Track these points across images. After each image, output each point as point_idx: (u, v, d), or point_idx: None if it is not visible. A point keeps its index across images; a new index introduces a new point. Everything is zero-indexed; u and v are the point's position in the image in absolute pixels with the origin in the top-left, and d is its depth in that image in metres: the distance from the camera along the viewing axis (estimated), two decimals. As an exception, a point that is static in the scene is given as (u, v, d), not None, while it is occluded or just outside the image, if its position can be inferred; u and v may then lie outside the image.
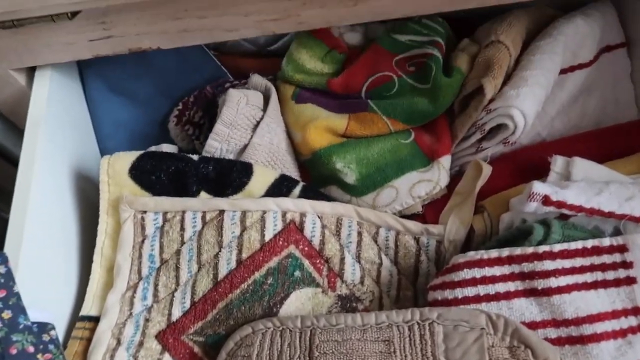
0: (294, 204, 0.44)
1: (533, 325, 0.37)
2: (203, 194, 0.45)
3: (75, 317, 0.43)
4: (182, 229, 0.44)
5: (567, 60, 0.49)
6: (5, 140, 0.55)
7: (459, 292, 0.39)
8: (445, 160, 0.47)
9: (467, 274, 0.39)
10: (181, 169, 0.45)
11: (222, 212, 0.44)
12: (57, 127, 0.47)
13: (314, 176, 0.49)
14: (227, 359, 0.39)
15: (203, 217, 0.44)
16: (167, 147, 0.48)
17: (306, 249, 0.44)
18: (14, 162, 0.58)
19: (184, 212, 0.44)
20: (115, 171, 0.45)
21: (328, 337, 0.37)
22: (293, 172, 0.49)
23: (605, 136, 0.50)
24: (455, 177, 0.49)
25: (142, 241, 0.44)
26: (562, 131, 0.52)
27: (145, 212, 0.44)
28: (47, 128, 0.45)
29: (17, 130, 0.55)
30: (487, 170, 0.45)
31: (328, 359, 0.36)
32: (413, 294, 0.45)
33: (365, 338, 0.37)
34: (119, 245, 0.44)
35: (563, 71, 0.50)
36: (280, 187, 0.46)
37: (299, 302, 0.42)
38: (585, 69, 0.51)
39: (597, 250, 0.38)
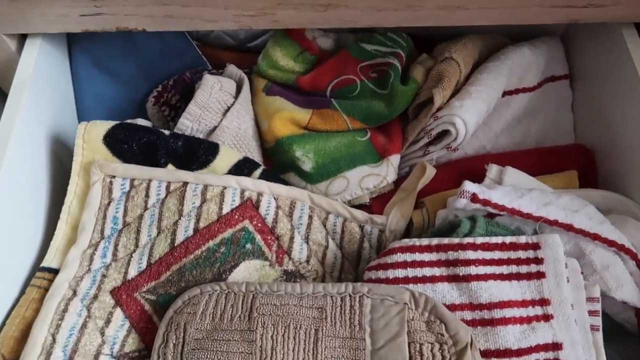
0: (252, 184, 0.48)
1: (452, 307, 0.42)
2: (170, 167, 0.49)
3: (37, 268, 0.46)
4: (147, 195, 0.47)
5: (512, 83, 0.55)
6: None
7: (391, 273, 0.43)
8: (395, 159, 0.51)
9: (399, 257, 0.43)
10: (152, 142, 0.49)
11: (185, 183, 0.48)
12: (40, 93, 0.51)
13: (276, 163, 0.54)
14: (173, 315, 0.43)
15: (167, 187, 0.48)
16: (142, 122, 0.52)
17: (259, 225, 0.47)
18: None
19: (150, 180, 0.48)
20: (91, 137, 0.48)
21: (268, 301, 0.41)
22: (257, 157, 0.53)
23: (542, 154, 0.56)
24: (404, 176, 0.53)
25: (108, 203, 0.47)
26: (505, 147, 0.57)
27: (114, 177, 0.48)
28: (31, 93, 0.49)
29: (3, 95, 0.58)
30: (430, 171, 0.49)
31: (265, 320, 0.40)
32: (354, 277, 0.49)
33: (301, 304, 0.41)
34: (85, 205, 0.47)
35: (509, 92, 0.56)
36: (242, 168, 0.50)
37: (247, 271, 0.46)
38: (528, 93, 0.56)
39: (514, 246, 0.43)
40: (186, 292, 0.44)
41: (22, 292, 0.45)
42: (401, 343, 0.38)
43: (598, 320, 0.43)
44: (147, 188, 0.47)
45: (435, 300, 0.40)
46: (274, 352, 0.39)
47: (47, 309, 0.43)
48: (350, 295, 0.41)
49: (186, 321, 0.41)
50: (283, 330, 0.39)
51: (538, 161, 0.54)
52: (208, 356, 0.39)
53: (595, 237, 0.44)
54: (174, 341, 0.41)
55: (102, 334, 0.43)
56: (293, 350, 0.39)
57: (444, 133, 0.50)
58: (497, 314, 0.41)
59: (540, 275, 0.42)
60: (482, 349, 0.40)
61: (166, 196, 0.47)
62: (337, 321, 0.40)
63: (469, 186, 0.44)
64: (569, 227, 0.44)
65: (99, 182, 0.48)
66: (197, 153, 0.49)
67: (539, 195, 0.45)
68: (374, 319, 0.39)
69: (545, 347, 0.40)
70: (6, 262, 0.44)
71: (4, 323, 0.42)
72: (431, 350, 0.38)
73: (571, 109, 0.60)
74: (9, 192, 0.44)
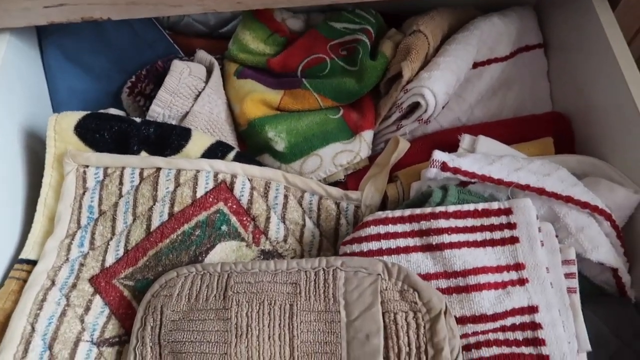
0: (226, 166, 0.48)
1: (427, 277, 0.42)
2: (143, 154, 0.49)
3: (15, 260, 0.47)
4: (121, 183, 0.48)
5: (483, 54, 0.55)
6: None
7: (365, 246, 0.43)
8: (367, 135, 0.51)
9: (372, 230, 0.43)
10: (124, 130, 0.49)
11: (158, 169, 0.48)
12: (12, 88, 0.51)
13: (250, 146, 0.54)
14: (151, 299, 0.43)
15: (141, 174, 0.48)
16: (114, 111, 0.52)
17: (234, 206, 0.48)
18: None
19: (123, 168, 0.48)
20: (62, 128, 0.48)
21: (242, 279, 0.41)
22: (231, 141, 0.53)
23: (518, 124, 0.56)
24: (380, 152, 0.53)
25: (83, 193, 0.48)
26: (481, 119, 0.57)
27: (87, 166, 0.48)
28: (1, 88, 0.49)
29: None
30: (403, 145, 0.49)
31: (240, 298, 0.40)
32: (332, 254, 0.49)
33: (275, 280, 0.41)
34: (61, 196, 0.47)
35: (481, 63, 0.56)
36: (215, 151, 0.50)
37: (224, 253, 0.46)
38: (501, 63, 0.56)
39: (486, 213, 0.43)
40: (163, 275, 0.44)
41: (1, 284, 0.45)
42: (375, 313, 0.38)
43: (575, 282, 0.43)
44: (121, 176, 0.48)
45: (408, 270, 0.40)
46: (250, 329, 0.39)
47: (25, 300, 0.43)
48: (323, 269, 0.41)
49: (163, 303, 0.42)
50: (258, 307, 0.39)
51: (514, 131, 0.54)
52: (184, 336, 0.40)
53: (568, 199, 0.44)
54: (152, 324, 0.41)
55: (82, 321, 0.43)
56: (268, 326, 0.39)
57: (415, 106, 0.50)
58: (472, 280, 0.41)
59: (513, 240, 0.42)
60: (457, 316, 0.40)
61: (140, 183, 0.47)
62: (312, 295, 0.40)
63: (438, 155, 0.44)
64: (541, 191, 0.44)
65: (72, 172, 0.48)
66: (169, 139, 0.49)
67: (509, 161, 0.45)
68: (348, 291, 0.40)
69: (521, 311, 0.40)
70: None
71: (-17, 315, 0.42)
72: (405, 319, 0.38)
73: (547, 77, 0.60)
74: None
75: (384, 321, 0.38)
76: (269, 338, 0.39)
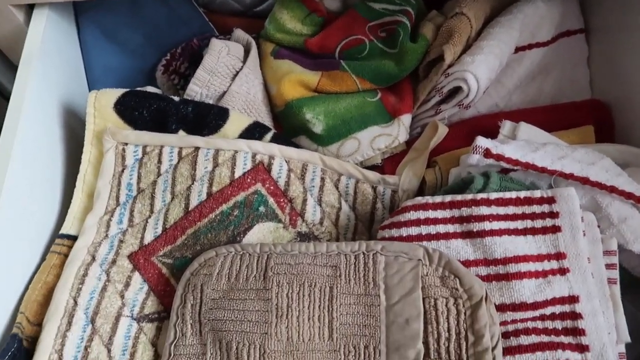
0: (263, 147, 0.48)
1: (466, 264, 0.42)
2: (181, 133, 0.49)
3: (55, 235, 0.47)
4: (160, 162, 0.48)
5: (525, 38, 0.54)
6: (1, 77, 0.59)
7: (404, 231, 0.43)
8: (406, 118, 0.51)
9: (412, 215, 0.43)
10: (162, 108, 0.49)
11: (197, 149, 0.48)
12: (50, 64, 0.51)
13: (286, 127, 0.54)
14: (190, 277, 0.43)
15: (179, 153, 0.48)
16: (151, 89, 0.52)
17: (272, 188, 0.48)
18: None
19: (162, 146, 0.48)
20: (101, 105, 0.48)
21: (282, 260, 0.41)
22: (267, 122, 0.53)
23: (557, 111, 0.55)
24: (416, 137, 0.53)
25: (122, 171, 0.48)
26: (519, 105, 0.56)
27: (126, 144, 0.48)
28: (40, 63, 0.49)
29: (14, 68, 0.58)
30: (442, 130, 0.49)
31: (280, 279, 0.40)
32: (367, 239, 0.49)
33: (315, 263, 0.41)
34: (100, 173, 0.48)
35: (522, 48, 0.55)
36: (253, 132, 0.50)
37: (261, 233, 0.46)
38: (542, 48, 0.55)
39: (528, 201, 0.42)
40: (202, 254, 0.44)
41: (43, 258, 0.46)
42: (416, 298, 0.38)
43: (615, 274, 0.43)
44: (160, 154, 0.48)
45: (449, 256, 0.40)
46: (290, 309, 0.39)
47: (67, 274, 0.44)
48: (363, 253, 0.41)
49: (203, 282, 0.42)
50: (298, 288, 0.40)
51: (553, 118, 0.53)
52: (225, 315, 0.40)
53: (612, 189, 0.43)
54: (192, 302, 0.42)
55: (122, 296, 0.44)
56: (308, 308, 0.39)
57: (456, 90, 0.50)
58: (512, 268, 0.41)
59: (555, 229, 0.42)
60: (497, 304, 0.40)
61: (178, 162, 0.48)
62: (352, 279, 0.40)
63: (481, 141, 0.43)
64: (585, 181, 0.43)
65: (112, 149, 0.48)
66: (207, 118, 0.49)
67: (553, 149, 0.44)
68: (388, 276, 0.40)
69: (562, 300, 0.40)
70: (26, 230, 0.45)
71: (26, 288, 0.43)
72: (446, 305, 0.38)
73: (587, 64, 0.59)
74: (25, 163, 0.44)
75: (424, 306, 0.38)
76: (309, 319, 0.39)
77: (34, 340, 0.41)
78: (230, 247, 0.44)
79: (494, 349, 0.37)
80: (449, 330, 0.38)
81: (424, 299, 0.39)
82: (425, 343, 0.38)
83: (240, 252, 0.43)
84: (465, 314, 0.38)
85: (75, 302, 0.43)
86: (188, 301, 0.42)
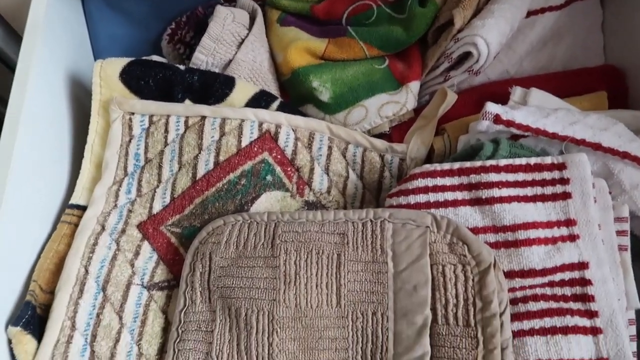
0: (270, 116, 0.48)
1: (475, 230, 0.41)
2: (187, 102, 0.49)
3: (65, 205, 0.48)
4: (166, 131, 0.48)
5: (537, 2, 0.52)
6: (6, 47, 0.58)
7: (412, 199, 0.43)
8: (414, 86, 0.50)
9: (420, 182, 0.43)
10: (168, 77, 0.48)
11: (203, 118, 0.47)
12: (55, 34, 0.51)
13: (293, 96, 0.53)
14: (199, 246, 0.44)
15: (186, 122, 0.48)
16: (157, 58, 0.51)
17: (279, 157, 0.47)
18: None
19: (168, 116, 0.48)
20: (107, 74, 0.48)
21: (289, 228, 0.41)
22: (273, 90, 0.52)
23: (569, 77, 0.54)
24: (425, 105, 0.52)
25: (129, 141, 0.48)
26: (530, 72, 0.55)
27: (133, 113, 0.48)
28: (45, 33, 0.48)
29: (19, 39, 0.58)
30: (451, 97, 0.48)
31: (288, 246, 0.40)
32: (375, 207, 0.49)
33: (323, 230, 0.41)
34: (107, 143, 0.48)
35: (534, 12, 0.53)
36: (259, 101, 0.49)
37: (269, 202, 0.46)
38: (555, 11, 0.54)
39: (538, 167, 0.42)
40: (210, 223, 0.44)
41: (53, 228, 0.46)
42: (424, 265, 0.38)
43: (626, 240, 0.42)
44: (166, 124, 0.48)
45: (458, 223, 0.40)
46: (298, 276, 0.39)
47: (78, 243, 0.44)
48: (371, 221, 0.41)
49: (211, 250, 0.42)
50: (306, 256, 0.40)
51: (565, 84, 0.52)
52: (234, 282, 0.41)
53: (624, 155, 0.42)
54: (201, 270, 0.42)
55: (132, 265, 0.44)
56: (316, 275, 0.39)
57: (465, 56, 0.49)
58: (521, 235, 0.40)
59: (566, 195, 0.41)
60: (505, 270, 0.40)
61: (185, 131, 0.47)
62: (359, 246, 0.40)
63: (491, 107, 0.42)
64: (597, 146, 0.42)
65: (118, 119, 0.48)
66: (213, 87, 0.48)
67: (565, 114, 0.43)
68: (396, 243, 0.40)
69: (571, 267, 0.40)
70: (36, 201, 0.45)
71: (38, 257, 0.44)
72: (454, 272, 0.38)
73: (601, 29, 0.57)
74: (32, 134, 0.44)
75: (432, 273, 0.38)
76: (317, 286, 0.39)
77: (47, 307, 0.42)
78: (238, 215, 0.44)
79: (502, 314, 0.37)
80: (456, 296, 0.38)
81: (432, 265, 0.39)
82: (433, 309, 0.38)
83: (248, 221, 0.43)
84: (473, 280, 0.38)
85: (87, 271, 0.43)
86: (197, 269, 0.42)
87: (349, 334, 0.38)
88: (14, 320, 0.39)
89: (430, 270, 0.38)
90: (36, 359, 0.39)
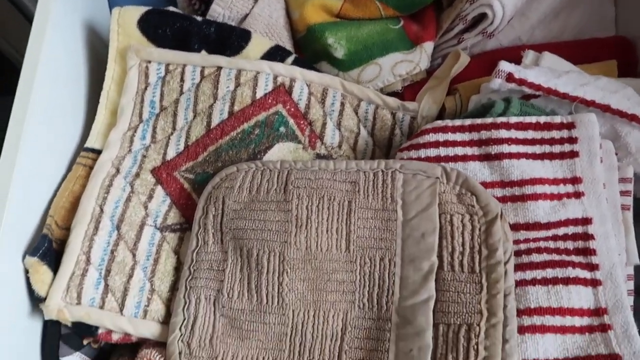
0: (285, 69, 0.48)
1: (483, 185, 0.42)
2: (203, 53, 0.49)
3: (80, 149, 0.48)
4: (182, 80, 0.48)
5: (553, -31, 0.53)
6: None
7: (423, 152, 0.44)
8: (428, 46, 0.51)
9: (431, 137, 0.44)
10: (185, 27, 0.49)
11: (219, 68, 0.48)
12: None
13: (307, 53, 0.54)
14: (212, 190, 0.45)
15: (202, 72, 0.48)
16: (173, 9, 0.52)
17: (292, 109, 0.48)
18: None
19: (184, 65, 0.48)
20: (125, 22, 0.48)
21: (302, 175, 0.42)
22: (288, 47, 0.53)
23: (580, 46, 0.54)
24: (437, 67, 0.53)
25: (145, 88, 0.48)
26: (542, 41, 0.56)
27: (149, 61, 0.49)
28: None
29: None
30: (464, 58, 0.49)
31: (300, 192, 0.41)
32: (385, 163, 0.50)
33: (335, 179, 0.42)
34: (123, 90, 0.48)
35: (549, -20, 0.54)
36: (274, 55, 0.50)
37: (281, 153, 0.47)
38: (569, -20, 0.54)
39: (548, 126, 0.43)
40: (223, 170, 0.45)
41: (69, 169, 0.47)
42: (432, 213, 0.39)
43: (629, 200, 0.44)
44: (182, 73, 0.48)
45: (467, 174, 0.41)
46: (309, 221, 0.40)
47: (93, 184, 0.45)
48: (382, 171, 0.42)
49: (224, 194, 0.43)
50: (317, 201, 0.41)
51: (576, 53, 0.53)
52: (246, 224, 0.42)
53: (632, 118, 0.43)
54: (214, 212, 0.43)
55: (146, 207, 0.45)
56: (327, 220, 0.40)
57: (480, 19, 0.49)
58: (528, 190, 0.41)
59: (573, 154, 0.42)
60: (511, 223, 0.41)
61: (201, 81, 0.48)
62: (370, 194, 0.41)
63: (504, 66, 0.43)
64: (605, 108, 0.43)
65: (135, 66, 0.48)
66: (229, 39, 0.49)
67: (576, 76, 0.44)
68: (406, 192, 0.41)
69: (575, 222, 0.41)
70: (52, 143, 0.46)
71: (54, 195, 0.45)
72: (461, 221, 0.39)
73: (613, 1, 0.58)
74: (50, 81, 0.45)
75: (440, 222, 0.39)
76: (327, 231, 0.40)
77: (62, 242, 0.43)
78: (252, 163, 0.45)
79: (506, 263, 0.38)
80: (463, 244, 0.39)
81: (440, 215, 0.40)
82: (439, 256, 0.39)
83: (261, 168, 0.44)
84: (480, 229, 0.39)
85: (102, 210, 0.44)
86: (210, 212, 0.43)
87: (357, 278, 0.39)
88: (31, 251, 0.40)
89: (438, 219, 0.39)
90: (52, 289, 0.40)
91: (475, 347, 0.36)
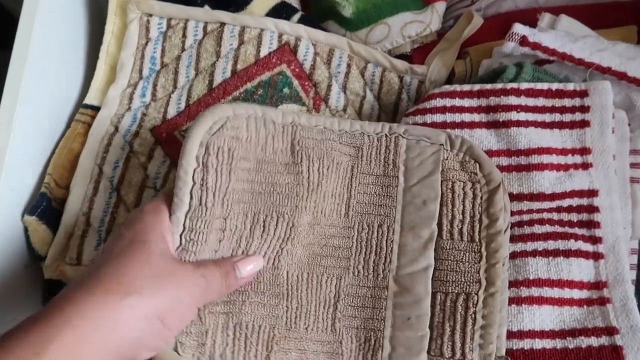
0: (290, 27, 0.47)
1: (489, 153, 0.41)
2: (207, 8, 0.48)
3: (79, 105, 0.47)
4: (184, 36, 0.47)
5: None
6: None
7: (428, 118, 0.42)
8: (440, 6, 0.49)
9: (438, 102, 0.42)
10: (188, -20, 0.47)
11: (222, 24, 0.46)
12: None
13: (314, 11, 0.52)
14: (210, 138, 0.37)
15: (204, 28, 0.47)
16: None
17: (297, 70, 0.47)
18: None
19: (187, 20, 0.47)
20: (126, -27, 0.47)
21: (308, 134, 0.40)
22: (294, 3, 0.51)
23: (600, 10, 0.52)
24: (448, 29, 0.51)
25: (146, 43, 0.47)
26: (559, 3, 0.53)
27: (151, 15, 0.47)
28: None
29: None
30: (477, 20, 0.47)
31: (309, 153, 0.39)
32: (390, 127, 0.49)
33: (340, 141, 0.40)
34: (123, 45, 0.47)
35: (571, -61, 0.51)
36: (280, 12, 0.48)
37: (284, 115, 0.46)
38: (592, -60, 0.51)
39: (560, 94, 0.41)
40: (215, 108, 0.38)
41: (68, 127, 0.46)
42: (434, 181, 0.39)
43: (639, 173, 0.42)
44: (184, 28, 0.47)
45: (472, 142, 0.40)
46: (320, 185, 0.39)
47: (92, 142, 0.44)
48: (386, 135, 0.40)
49: (230, 146, 0.38)
50: (327, 164, 0.39)
51: (595, 16, 0.50)
52: (253, 187, 0.39)
53: (649, 87, 0.42)
54: (216, 166, 0.37)
55: (145, 169, 0.45)
56: (333, 184, 0.39)
57: (496, -22, 0.47)
58: (534, 159, 0.40)
59: (584, 123, 0.41)
60: (515, 193, 0.40)
61: (203, 37, 0.47)
62: (372, 160, 0.40)
63: (518, 28, 0.41)
64: (622, 75, 0.41)
65: (136, 20, 0.47)
66: (233, -6, 0.47)
67: (594, 41, 0.42)
68: (409, 158, 0.40)
69: (580, 193, 0.40)
70: (50, 99, 0.45)
71: (52, 153, 0.44)
72: (463, 189, 0.38)
73: (638, -38, 0.55)
74: (48, 34, 0.43)
75: (441, 189, 0.39)
76: (331, 195, 0.39)
77: (61, 201, 0.43)
78: (250, 107, 0.39)
79: (504, 232, 0.37)
80: (463, 212, 0.38)
81: (441, 182, 0.39)
82: (439, 224, 0.38)
83: (263, 116, 0.39)
84: (481, 198, 0.38)
85: (101, 170, 0.44)
86: (211, 166, 0.37)
87: (353, 244, 0.38)
88: (29, 210, 0.40)
89: (440, 187, 0.39)
90: (51, 249, 0.40)
91: (473, 315, 0.36)
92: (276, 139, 0.39)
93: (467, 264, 0.37)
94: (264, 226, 0.38)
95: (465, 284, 0.37)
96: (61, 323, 0.27)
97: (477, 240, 0.37)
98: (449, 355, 0.36)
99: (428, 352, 0.36)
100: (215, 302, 0.36)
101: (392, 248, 0.38)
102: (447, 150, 0.39)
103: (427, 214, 0.38)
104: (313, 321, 0.37)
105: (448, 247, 0.38)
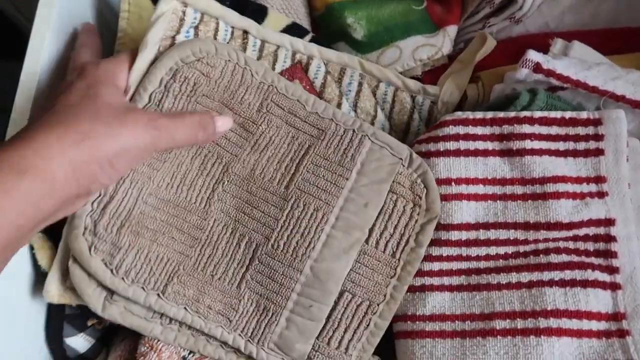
0: (304, 47, 0.46)
1: (503, 182, 0.41)
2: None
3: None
4: (215, 36, 0.45)
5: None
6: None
7: (442, 146, 0.42)
8: (452, 30, 0.48)
9: (451, 130, 0.42)
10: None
11: (246, 34, 0.45)
12: None
13: (325, 33, 0.51)
14: (182, 65, 0.40)
15: (232, 32, 0.45)
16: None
17: (307, 87, 0.46)
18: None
19: (218, 20, 0.45)
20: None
21: (279, 101, 0.41)
22: (305, 25, 0.50)
23: (612, 35, 0.52)
24: (458, 53, 0.51)
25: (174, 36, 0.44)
26: (570, 28, 0.53)
27: (186, 5, 0.44)
28: None
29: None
30: (490, 42, 0.46)
31: (271, 120, 0.41)
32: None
33: (306, 120, 0.41)
34: (151, 33, 0.42)
35: (582, -38, 0.51)
36: (291, 33, 0.47)
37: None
38: (603, -34, 0.51)
39: (573, 122, 0.41)
40: (196, 41, 0.41)
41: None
42: (383, 189, 0.40)
43: (654, 202, 0.42)
44: (216, 28, 0.44)
45: (429, 169, 0.41)
46: (266, 149, 0.40)
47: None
48: (354, 131, 0.41)
49: (197, 81, 0.40)
50: (283, 136, 0.41)
51: (607, 42, 0.50)
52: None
53: (663, 116, 0.41)
54: (176, 93, 0.40)
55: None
56: (282, 155, 0.41)
57: (508, 3, 0.47)
58: (550, 188, 0.40)
59: (598, 152, 0.41)
60: (531, 222, 0.40)
61: (229, 42, 0.45)
62: (332, 146, 0.41)
63: (532, 55, 0.41)
64: (636, 104, 0.41)
65: (169, 11, 0.43)
66: (244, 14, 0.46)
67: (607, 68, 0.42)
68: (368, 160, 0.40)
69: (597, 222, 0.40)
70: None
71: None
72: (404, 206, 0.40)
73: (650, -13, 0.55)
74: (59, 47, 0.43)
75: (386, 199, 0.40)
76: (277, 163, 0.40)
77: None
78: (233, 52, 0.41)
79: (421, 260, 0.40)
80: (396, 228, 0.40)
81: (388, 192, 0.40)
82: (370, 230, 0.40)
83: (243, 67, 0.41)
84: (416, 221, 0.40)
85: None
86: (171, 90, 0.40)
87: (282, 217, 0.39)
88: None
89: (385, 196, 0.40)
90: (51, 272, 0.39)
91: (369, 321, 0.39)
92: (248, 91, 0.41)
93: (381, 276, 0.39)
94: (202, 160, 0.40)
95: (373, 293, 0.39)
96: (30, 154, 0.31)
97: (397, 257, 0.39)
98: (335, 346, 0.39)
99: (317, 338, 0.39)
100: (139, 225, 0.38)
101: (319, 236, 0.39)
102: (404, 166, 0.41)
103: (365, 217, 0.39)
104: (222, 272, 0.39)
105: (369, 255, 0.40)
